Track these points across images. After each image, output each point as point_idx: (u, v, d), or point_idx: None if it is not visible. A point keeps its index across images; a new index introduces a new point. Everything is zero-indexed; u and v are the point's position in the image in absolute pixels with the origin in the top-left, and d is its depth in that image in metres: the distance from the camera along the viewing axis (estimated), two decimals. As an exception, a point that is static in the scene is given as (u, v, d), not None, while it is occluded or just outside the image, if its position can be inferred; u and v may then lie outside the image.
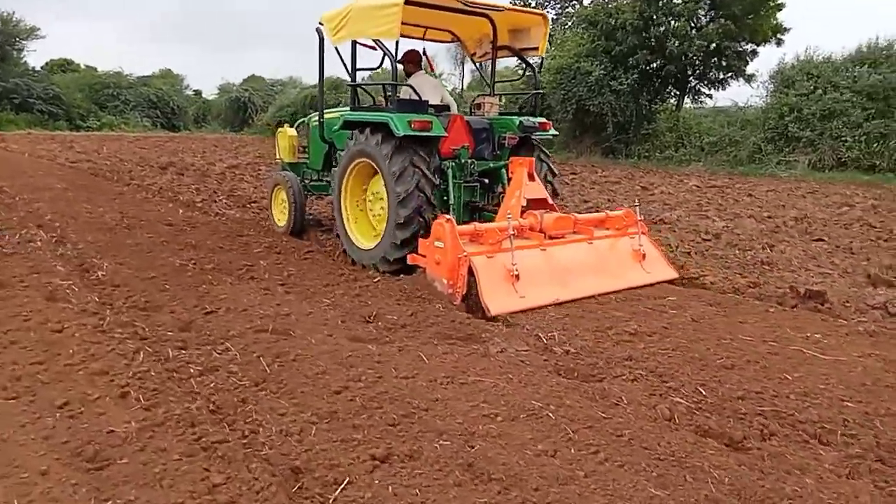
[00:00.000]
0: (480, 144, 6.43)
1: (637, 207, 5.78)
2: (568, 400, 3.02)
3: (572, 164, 19.95)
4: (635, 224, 5.68)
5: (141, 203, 9.66)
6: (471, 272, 4.69)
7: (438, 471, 2.49)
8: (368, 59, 6.28)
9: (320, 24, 6.41)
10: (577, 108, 21.56)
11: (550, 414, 2.87)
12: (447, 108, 6.82)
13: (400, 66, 6.45)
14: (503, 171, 6.13)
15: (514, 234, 4.85)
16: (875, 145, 16.55)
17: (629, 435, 2.68)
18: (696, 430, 2.79)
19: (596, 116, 21.46)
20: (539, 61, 7.19)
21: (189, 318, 4.33)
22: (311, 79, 43.57)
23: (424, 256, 5.16)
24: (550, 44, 21.18)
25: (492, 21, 6.77)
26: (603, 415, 2.87)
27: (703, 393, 3.13)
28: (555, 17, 32.25)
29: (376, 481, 2.43)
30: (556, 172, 6.69)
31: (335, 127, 6.66)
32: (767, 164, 18.07)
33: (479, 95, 7.31)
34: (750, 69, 21.51)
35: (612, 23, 20.95)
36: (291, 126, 8.40)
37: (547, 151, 6.65)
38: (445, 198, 5.86)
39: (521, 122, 6.36)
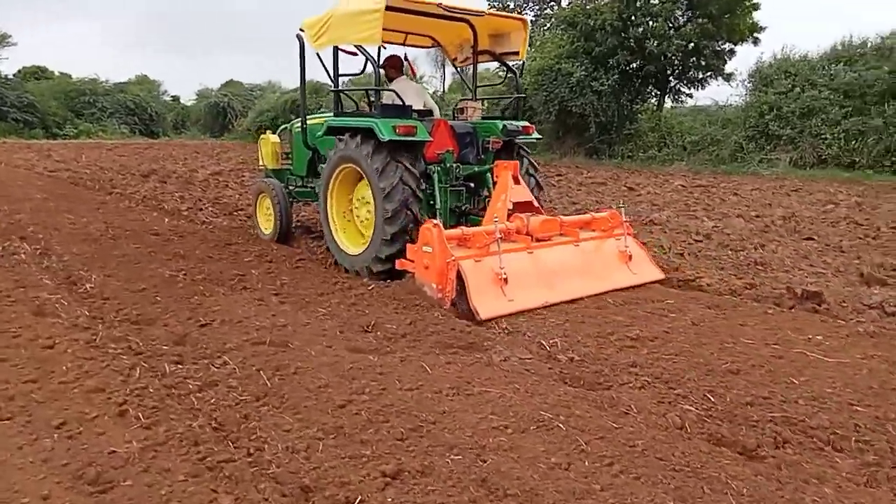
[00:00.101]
0: (465, 149, 6.47)
1: (623, 209, 5.81)
2: (577, 410, 2.99)
3: (556, 165, 20.02)
4: (621, 225, 5.73)
5: (125, 212, 9.48)
6: (459, 276, 4.70)
7: (452, 487, 2.44)
8: (350, 64, 6.29)
9: (301, 30, 6.38)
10: (560, 109, 21.66)
11: (561, 425, 2.84)
12: (430, 112, 6.85)
13: (382, 72, 6.44)
14: (488, 174, 6.14)
15: (501, 238, 4.87)
16: (853, 142, 16.80)
17: (642, 445, 2.66)
18: (709, 438, 2.77)
19: (578, 117, 21.57)
20: (520, 64, 7.21)
21: (183, 331, 4.23)
22: (291, 83, 43.38)
23: (413, 261, 5.16)
24: (531, 46, 21.22)
25: (472, 26, 6.81)
26: (614, 424, 2.85)
27: (712, 400, 3.12)
28: (533, 18, 32.38)
29: (389, 499, 2.38)
30: (538, 167, 6.73)
31: (318, 133, 6.61)
32: (749, 163, 18.28)
33: (461, 100, 7.32)
34: (728, 68, 21.78)
35: (592, 24, 21.07)
36: (274, 132, 8.33)
37: (531, 158, 6.68)
38: (432, 202, 5.88)
39: (504, 125, 6.37)
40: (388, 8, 5.38)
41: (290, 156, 7.84)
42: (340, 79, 6.33)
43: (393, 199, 5.40)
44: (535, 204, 5.75)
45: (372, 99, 6.27)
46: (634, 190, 12.86)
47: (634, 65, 21.38)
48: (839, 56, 18.85)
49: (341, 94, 6.51)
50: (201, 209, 9.83)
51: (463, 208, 6.30)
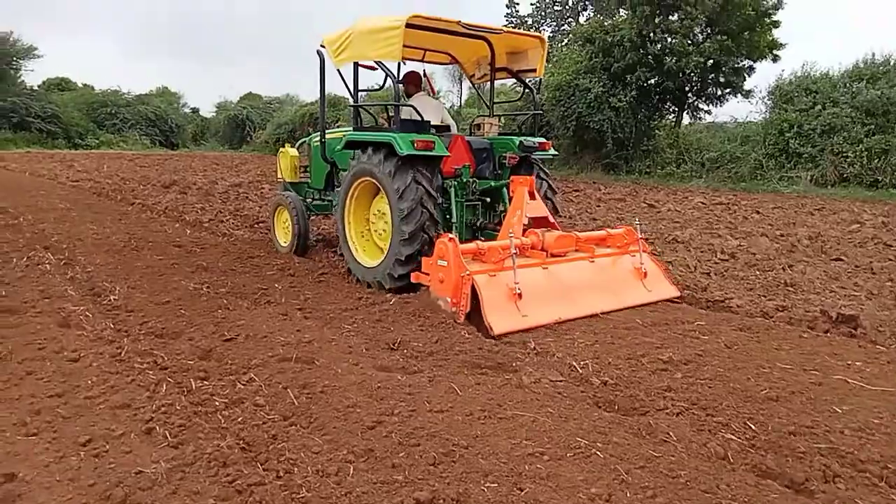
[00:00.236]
0: (481, 164, 6.54)
1: (638, 225, 5.78)
2: (614, 436, 2.90)
3: (573, 180, 19.95)
4: (636, 242, 5.69)
5: (147, 223, 9.54)
6: (474, 291, 4.67)
7: (489, 516, 2.37)
8: (369, 79, 6.34)
9: (322, 46, 6.49)
10: (577, 124, 21.62)
11: (598, 452, 2.75)
12: (448, 128, 6.91)
13: (401, 87, 6.48)
14: (504, 190, 6.18)
15: (516, 253, 4.85)
16: (876, 161, 16.59)
17: (685, 476, 2.56)
18: (754, 469, 2.66)
19: (595, 133, 21.50)
20: (538, 81, 7.25)
21: (208, 345, 4.21)
22: (309, 96, 43.78)
23: (428, 275, 5.17)
24: (548, 61, 21.26)
25: (490, 44, 6.89)
26: (654, 453, 2.75)
27: (753, 428, 3.01)
28: (550, 34, 32.44)
29: (425, 528, 2.31)
30: (556, 190, 6.73)
31: (337, 147, 6.70)
32: (769, 180, 18.09)
33: (478, 116, 7.38)
34: (748, 85, 21.65)
35: (610, 40, 21.07)
36: (293, 145, 8.42)
37: (546, 170, 6.69)
38: (448, 216, 5.95)
39: (521, 141, 6.42)
40: (408, 25, 5.47)
41: (308, 169, 7.94)
42: (360, 94, 6.40)
43: (410, 221, 5.42)
44: (551, 219, 5.75)
45: (391, 114, 6.31)
46: (655, 207, 12.74)
47: (652, 81, 21.31)
48: (861, 74, 18.66)
49: (360, 109, 6.58)
50: (222, 221, 9.87)
51: (479, 223, 6.37)
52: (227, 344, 4.25)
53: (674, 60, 19.77)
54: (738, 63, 21.14)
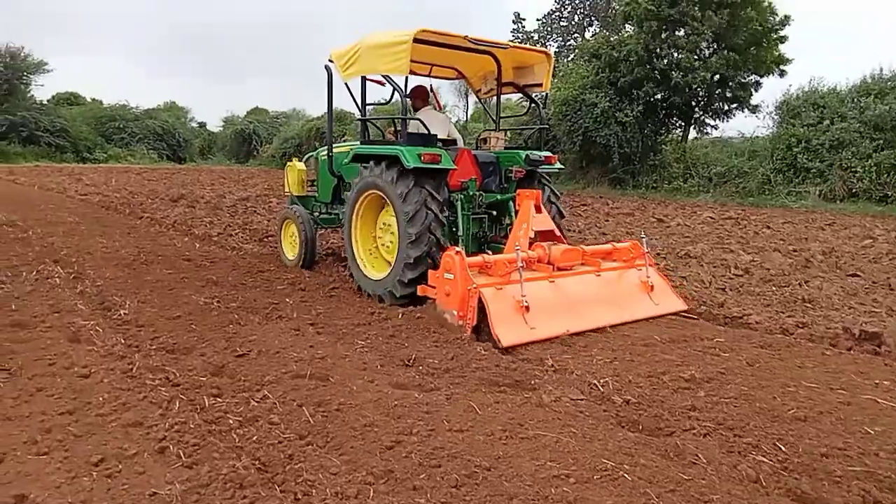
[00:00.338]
0: (488, 177, 6.57)
1: (644, 239, 5.78)
2: (641, 458, 2.81)
3: (580, 195, 19.91)
4: (642, 255, 5.70)
5: (156, 237, 9.52)
6: (480, 304, 4.65)
7: (517, 542, 2.28)
8: (377, 93, 6.42)
9: (330, 60, 6.54)
10: (584, 139, 21.63)
11: (626, 475, 2.66)
12: (454, 142, 6.94)
13: (408, 101, 6.53)
14: (510, 203, 6.21)
15: (523, 266, 4.84)
16: (885, 176, 16.50)
17: (718, 501, 2.47)
18: (789, 494, 2.57)
19: (602, 147, 21.50)
20: (544, 95, 7.28)
21: (220, 361, 4.14)
22: (315, 111, 44.04)
23: (434, 288, 5.16)
24: (554, 76, 21.32)
25: (496, 59, 6.92)
26: (683, 476, 2.66)
27: (784, 450, 2.92)
28: (556, 49, 32.55)
29: (450, 554, 2.22)
30: (559, 195, 6.74)
31: (345, 160, 6.72)
32: (777, 195, 18.03)
33: (484, 130, 7.40)
34: (754, 100, 21.66)
35: (616, 55, 21.12)
36: (300, 160, 8.44)
37: (553, 186, 6.70)
38: (454, 229, 5.97)
39: (527, 155, 6.45)
40: (416, 40, 5.52)
41: (315, 183, 7.97)
42: (367, 108, 6.44)
43: (416, 224, 5.43)
44: (557, 233, 5.76)
45: (398, 127, 6.34)
46: (664, 221, 12.67)
47: (659, 96, 21.34)
48: (869, 89, 18.64)
49: (368, 123, 6.61)
50: (231, 234, 9.84)
51: (485, 236, 6.39)
52: (240, 360, 4.19)
53: (680, 75, 19.78)
54: (745, 78, 21.16)
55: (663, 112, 22.33)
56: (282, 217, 7.89)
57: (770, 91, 37.98)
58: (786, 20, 20.19)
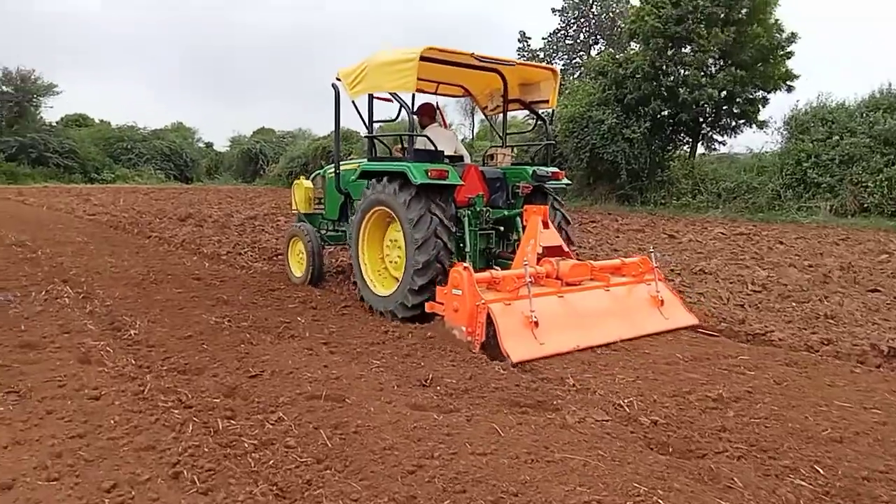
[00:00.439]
0: (495, 193, 6.58)
1: (653, 254, 5.73)
2: (674, 482, 2.69)
3: (588, 211, 19.83)
4: (651, 270, 5.65)
5: (165, 256, 9.47)
6: (489, 320, 4.62)
7: (549, 573, 2.16)
8: (384, 111, 6.47)
9: (337, 79, 6.57)
10: (591, 155, 21.59)
11: (660, 500, 2.54)
12: (461, 158, 6.93)
13: (415, 118, 6.53)
14: (518, 219, 6.19)
15: (531, 282, 4.81)
16: (897, 191, 16.37)
17: (761, 527, 2.35)
18: (834, 521, 2.46)
19: (609, 164, 21.45)
20: (550, 112, 7.28)
21: (233, 382, 4.04)
22: (321, 130, 44.28)
23: (442, 304, 5.12)
24: (561, 94, 21.37)
25: (502, 76, 6.94)
26: (721, 501, 2.54)
27: (822, 473, 2.79)
28: (562, 67, 32.67)
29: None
30: (570, 220, 6.71)
31: (352, 177, 6.73)
32: (787, 210, 17.90)
33: (491, 146, 7.43)
34: (762, 116, 21.58)
35: (622, 72, 21.15)
36: (307, 178, 8.45)
37: (560, 200, 6.69)
38: (462, 245, 5.96)
39: (534, 171, 6.43)
40: (422, 58, 5.54)
41: (322, 201, 7.98)
42: (374, 125, 6.46)
43: (421, 228, 5.42)
44: (565, 248, 5.72)
45: (405, 144, 6.33)
46: (675, 237, 12.56)
47: (666, 112, 21.31)
48: (878, 103, 18.57)
49: (375, 140, 6.61)
50: (240, 253, 9.79)
51: (493, 251, 6.37)
52: (253, 380, 4.09)
53: (687, 92, 19.77)
54: (752, 94, 21.13)
55: (671, 128, 22.28)
56: (289, 234, 7.89)
57: (778, 107, 38.05)
58: (792, 37, 20.19)
